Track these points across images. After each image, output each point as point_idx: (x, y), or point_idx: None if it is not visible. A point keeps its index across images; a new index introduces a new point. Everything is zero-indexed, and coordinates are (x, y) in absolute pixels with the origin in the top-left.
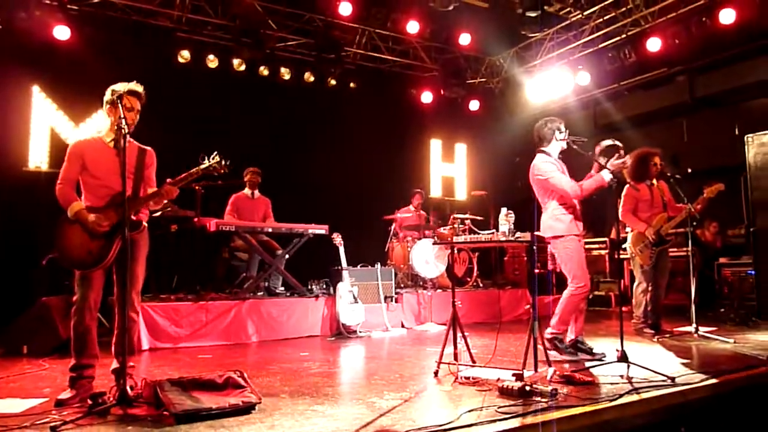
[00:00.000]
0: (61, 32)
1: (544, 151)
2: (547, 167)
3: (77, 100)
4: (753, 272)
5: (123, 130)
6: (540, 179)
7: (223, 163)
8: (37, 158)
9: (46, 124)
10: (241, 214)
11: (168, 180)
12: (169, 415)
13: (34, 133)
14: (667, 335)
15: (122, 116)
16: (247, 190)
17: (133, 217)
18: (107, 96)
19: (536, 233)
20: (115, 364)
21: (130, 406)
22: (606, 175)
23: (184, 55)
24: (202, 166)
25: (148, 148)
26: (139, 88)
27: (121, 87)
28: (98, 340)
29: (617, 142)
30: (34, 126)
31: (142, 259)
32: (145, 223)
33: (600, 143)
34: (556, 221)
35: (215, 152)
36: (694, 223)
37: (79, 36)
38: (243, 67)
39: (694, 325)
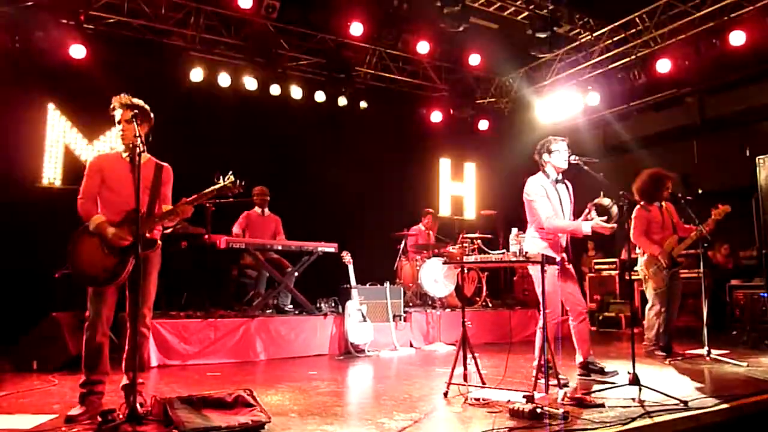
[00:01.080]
0: (77, 51)
1: (544, 172)
2: (534, 190)
3: (91, 117)
4: (765, 294)
5: (138, 149)
6: (527, 199)
7: (237, 183)
8: (51, 174)
9: (61, 141)
10: (252, 232)
11: (184, 199)
12: None
13: (48, 149)
14: (679, 358)
15: (137, 134)
16: (257, 208)
17: (148, 235)
18: (119, 111)
19: (546, 254)
20: (125, 380)
21: (139, 424)
22: (585, 227)
23: (197, 74)
24: (217, 186)
25: (165, 164)
26: (141, 102)
27: (131, 102)
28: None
29: (613, 207)
30: (48, 142)
31: (154, 276)
32: (159, 241)
33: (600, 198)
34: (531, 244)
35: (230, 172)
36: (705, 245)
37: (95, 54)
38: (255, 86)
39: (706, 347)
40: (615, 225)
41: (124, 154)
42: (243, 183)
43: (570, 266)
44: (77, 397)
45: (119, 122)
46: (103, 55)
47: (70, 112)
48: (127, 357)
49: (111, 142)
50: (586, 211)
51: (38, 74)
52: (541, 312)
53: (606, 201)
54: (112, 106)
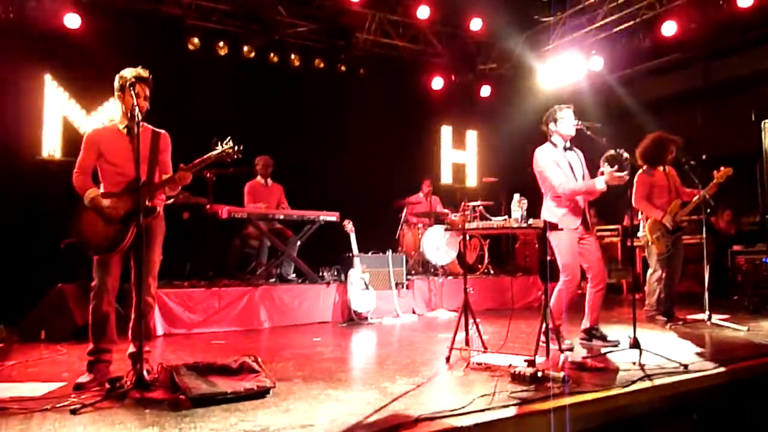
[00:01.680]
0: (72, 20)
1: (551, 142)
2: (543, 160)
3: (89, 88)
4: (767, 260)
5: (137, 118)
6: (537, 171)
7: (236, 148)
8: (51, 146)
9: (59, 113)
10: (257, 202)
11: (181, 165)
12: (185, 399)
13: (47, 121)
14: (680, 323)
15: (135, 104)
16: (260, 178)
17: (148, 203)
18: (117, 82)
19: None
20: (131, 349)
21: (147, 390)
22: (599, 183)
23: (194, 43)
24: (215, 152)
25: (162, 131)
26: (146, 74)
27: (129, 73)
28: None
29: (624, 152)
30: (47, 114)
31: (158, 245)
32: (160, 209)
33: (607, 151)
34: (548, 213)
35: (228, 137)
36: (708, 210)
37: (90, 24)
38: (253, 54)
39: (707, 312)
40: (628, 173)
41: (121, 126)
42: (241, 148)
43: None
44: (85, 365)
45: (138, 96)
46: (98, 24)
47: (67, 83)
48: (134, 326)
49: (109, 113)
50: (600, 168)
51: (33, 45)
52: (562, 276)
53: (615, 150)
54: (129, 82)
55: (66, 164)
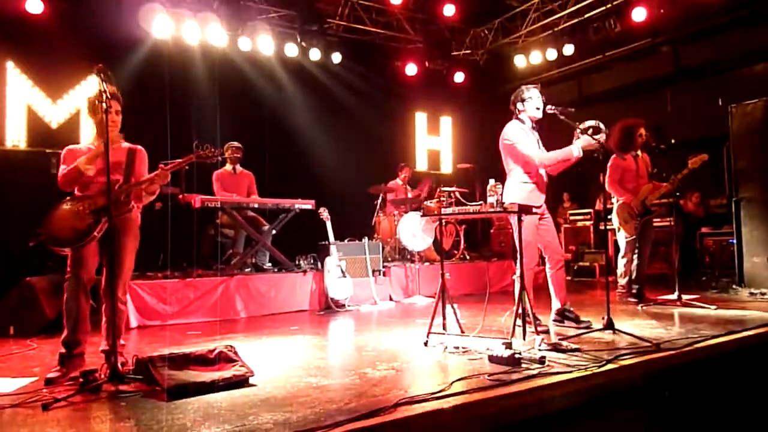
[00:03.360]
0: (34, 6)
1: (519, 118)
2: (514, 133)
3: (54, 75)
4: (734, 241)
5: (105, 138)
6: (507, 144)
7: (215, 151)
8: (15, 136)
9: (23, 101)
10: (225, 190)
11: (161, 165)
12: (161, 391)
13: (10, 110)
14: (651, 303)
15: (105, 120)
16: (228, 166)
17: (122, 198)
18: (87, 103)
19: (522, 203)
20: (104, 346)
21: (121, 383)
22: (575, 150)
23: (162, 29)
24: (196, 155)
25: (139, 147)
26: (113, 88)
27: (97, 91)
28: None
29: (600, 124)
30: (9, 103)
31: (129, 251)
32: (136, 207)
33: (583, 122)
34: (516, 189)
35: (207, 144)
36: (677, 194)
37: (53, 9)
38: (224, 40)
39: (677, 293)
40: (603, 137)
41: (96, 144)
42: (219, 149)
43: (548, 213)
44: (57, 358)
45: (110, 112)
46: (62, 9)
47: (30, 70)
48: (107, 325)
49: (75, 102)
50: (575, 138)
51: None
52: (519, 261)
53: (590, 122)
54: (102, 96)
55: (31, 154)
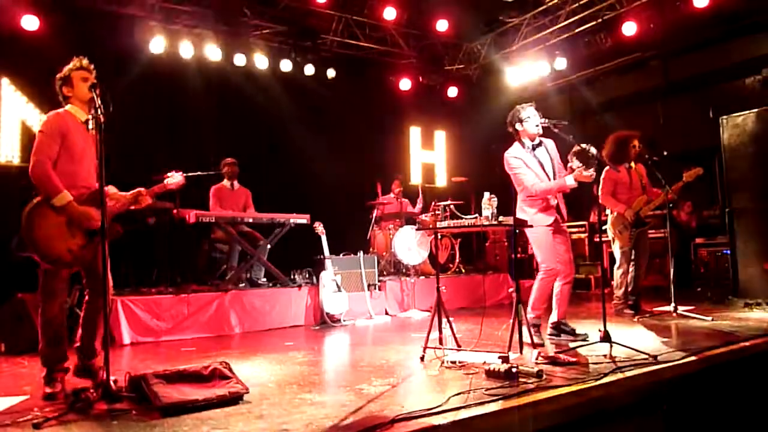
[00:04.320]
0: (30, 22)
1: (520, 142)
2: (514, 162)
3: (47, 91)
4: (728, 252)
5: (101, 117)
6: (509, 171)
7: (182, 182)
8: (8, 151)
9: (17, 117)
10: (222, 206)
11: (142, 190)
12: (154, 409)
13: (3, 126)
14: (647, 315)
15: (98, 106)
16: (226, 182)
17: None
18: (64, 75)
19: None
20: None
21: (114, 401)
22: (569, 180)
23: (158, 45)
24: (165, 184)
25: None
26: (83, 60)
27: (76, 63)
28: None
29: (591, 148)
30: (3, 119)
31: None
32: (121, 230)
33: (575, 146)
34: (521, 212)
35: (174, 172)
36: (671, 205)
37: (48, 26)
38: (218, 57)
39: (673, 304)
40: (594, 172)
41: (82, 118)
42: (183, 179)
43: (565, 231)
44: (44, 375)
45: (88, 84)
46: (57, 26)
47: (24, 86)
48: (81, 338)
49: None
50: (569, 163)
51: None
52: (542, 267)
53: (583, 145)
54: (75, 66)
55: (24, 170)
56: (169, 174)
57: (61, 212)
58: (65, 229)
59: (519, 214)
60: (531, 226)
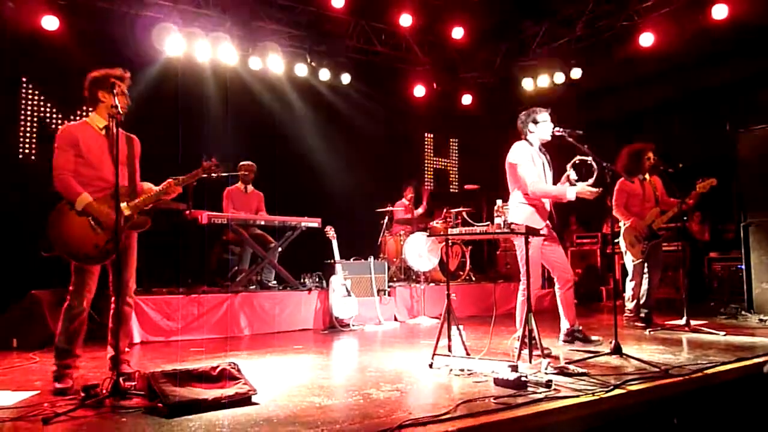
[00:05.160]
0: (50, 22)
1: (527, 140)
2: (521, 155)
3: (67, 91)
4: (743, 266)
5: (119, 116)
6: (511, 163)
7: (221, 166)
8: (27, 150)
9: (36, 116)
10: (235, 208)
11: (170, 180)
12: (163, 407)
13: (23, 124)
14: (659, 328)
15: (116, 104)
16: (240, 184)
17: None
18: (94, 80)
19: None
20: (111, 352)
21: (123, 398)
22: (570, 193)
23: (174, 47)
24: (203, 169)
25: (134, 135)
26: (127, 73)
27: (110, 72)
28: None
29: (588, 159)
30: (23, 117)
31: (136, 246)
32: (150, 221)
33: (576, 158)
34: (517, 209)
35: (213, 156)
36: (685, 218)
37: (68, 26)
38: (234, 60)
39: (685, 318)
40: (600, 189)
41: (100, 125)
42: (224, 165)
43: (553, 234)
44: (54, 370)
45: (119, 95)
46: (76, 27)
47: (44, 85)
48: (113, 329)
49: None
50: (566, 174)
51: (10, 47)
52: (524, 283)
53: (581, 157)
54: (110, 80)
55: (42, 168)
56: (206, 162)
57: (83, 213)
58: (90, 228)
59: (515, 214)
60: (543, 235)
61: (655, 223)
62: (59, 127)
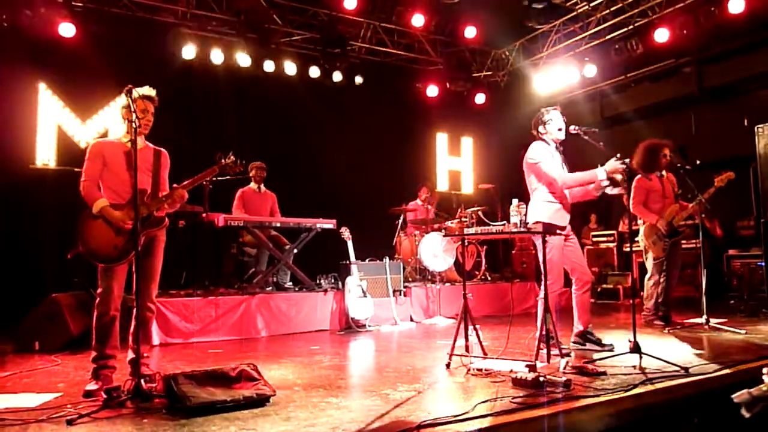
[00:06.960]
0: (66, 29)
1: (543, 139)
2: (540, 153)
3: (84, 97)
4: (763, 264)
5: (134, 124)
6: (531, 163)
7: (238, 162)
8: (45, 156)
9: (53, 122)
10: (249, 209)
11: (174, 186)
12: (183, 408)
13: (41, 130)
14: (678, 327)
15: (134, 114)
16: (253, 185)
17: (156, 213)
18: (122, 100)
19: (546, 223)
20: (131, 355)
21: (144, 400)
22: (600, 173)
23: (189, 51)
24: (218, 166)
25: (163, 149)
26: (152, 92)
27: (136, 91)
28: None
29: (624, 161)
30: (41, 123)
31: (161, 253)
32: (167, 220)
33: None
34: (541, 208)
35: (230, 152)
36: (703, 215)
37: (85, 33)
38: (248, 63)
39: (705, 316)
40: (626, 163)
41: (125, 139)
42: (243, 161)
43: (573, 234)
44: (90, 373)
45: (143, 111)
46: (92, 33)
47: (61, 91)
48: (134, 332)
49: (105, 122)
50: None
51: (28, 54)
52: (543, 282)
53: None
54: (132, 98)
55: (60, 173)
56: (222, 160)
57: (99, 216)
58: (108, 230)
59: (538, 213)
60: (560, 234)
61: (675, 219)
62: (76, 133)
